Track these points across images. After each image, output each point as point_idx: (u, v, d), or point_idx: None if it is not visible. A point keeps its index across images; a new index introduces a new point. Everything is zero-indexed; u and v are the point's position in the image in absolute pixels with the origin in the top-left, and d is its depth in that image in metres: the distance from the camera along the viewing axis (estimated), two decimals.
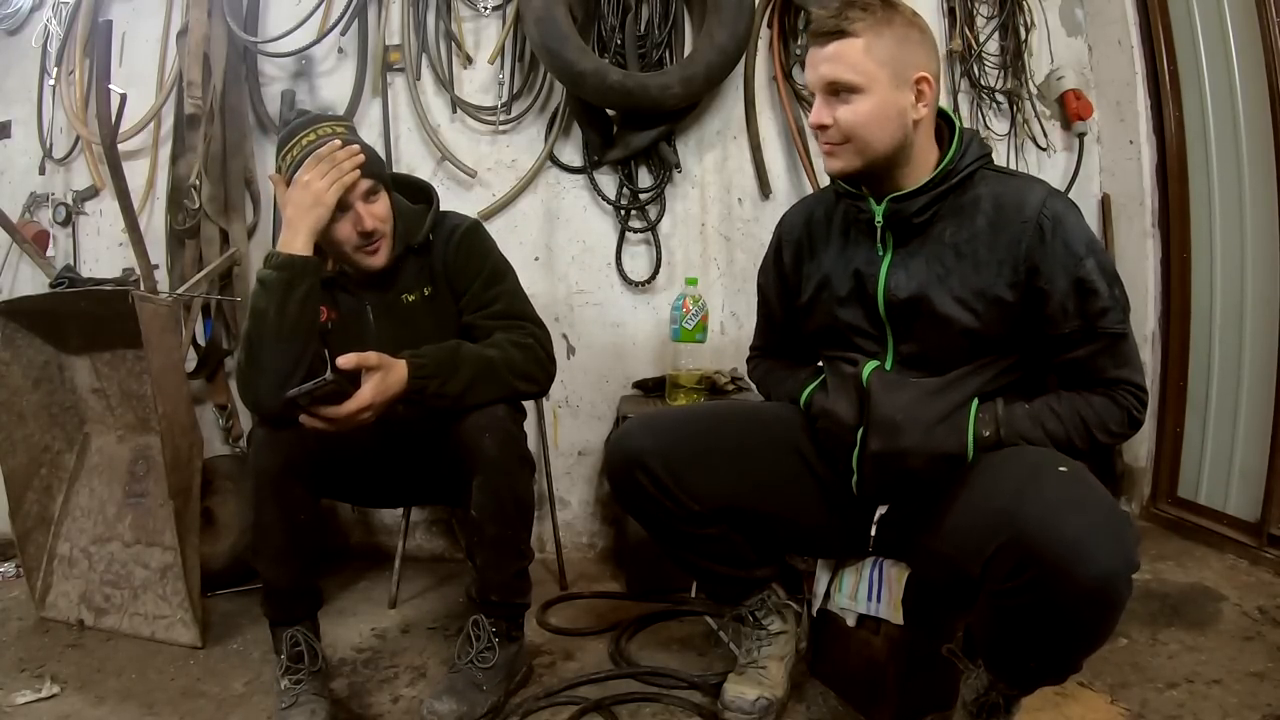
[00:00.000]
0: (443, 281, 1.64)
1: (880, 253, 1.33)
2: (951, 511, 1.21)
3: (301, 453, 1.49)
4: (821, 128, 1.27)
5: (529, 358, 1.56)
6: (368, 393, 1.38)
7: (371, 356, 1.39)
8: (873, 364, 1.33)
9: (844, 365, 1.38)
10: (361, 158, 1.49)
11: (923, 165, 1.29)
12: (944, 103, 2.37)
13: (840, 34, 1.23)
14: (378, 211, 1.53)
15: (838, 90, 1.24)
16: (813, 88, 1.29)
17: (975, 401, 1.27)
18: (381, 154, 2.37)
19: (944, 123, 1.33)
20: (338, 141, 1.48)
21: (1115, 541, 1.01)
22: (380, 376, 1.39)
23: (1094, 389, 1.26)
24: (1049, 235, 1.22)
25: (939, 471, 1.27)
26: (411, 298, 1.63)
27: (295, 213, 1.45)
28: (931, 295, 1.28)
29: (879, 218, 1.30)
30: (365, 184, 1.50)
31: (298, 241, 1.45)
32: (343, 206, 1.49)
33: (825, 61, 1.25)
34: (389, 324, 1.60)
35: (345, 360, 1.36)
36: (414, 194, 1.71)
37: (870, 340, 1.36)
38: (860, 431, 1.32)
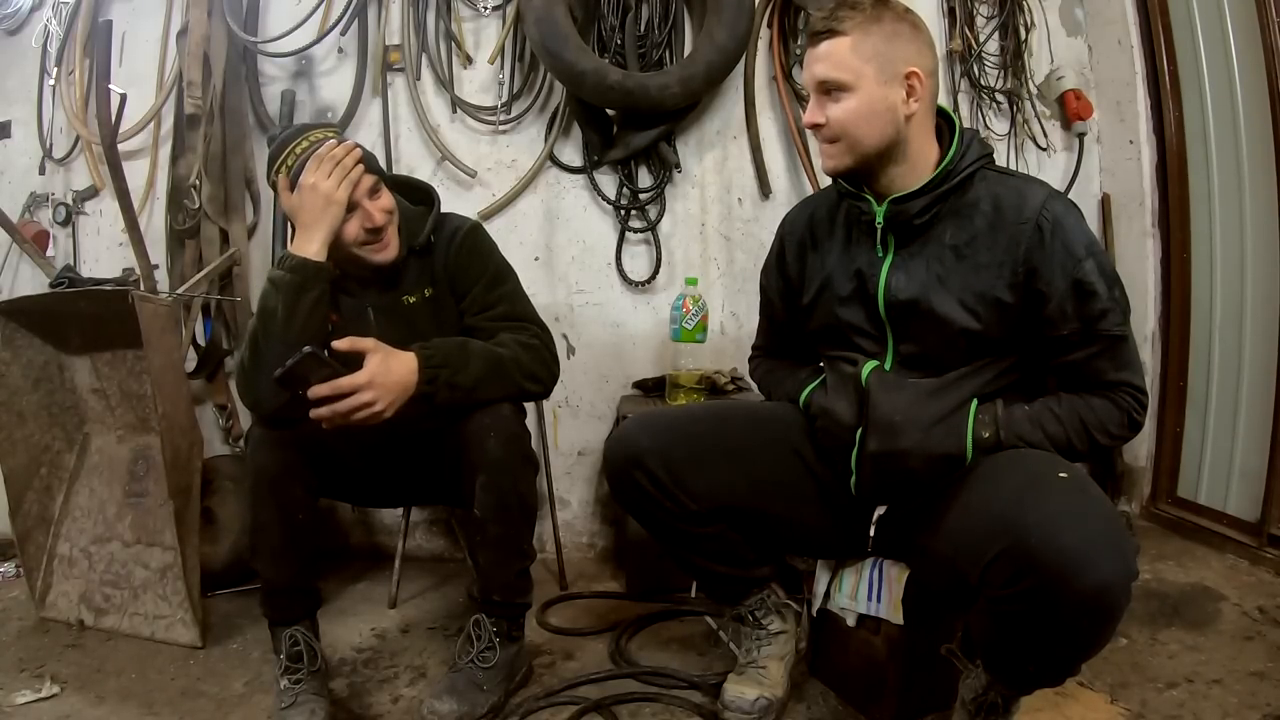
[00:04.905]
0: (444, 283, 1.64)
1: (881, 254, 1.33)
2: (951, 513, 1.21)
3: (300, 452, 1.49)
4: (815, 127, 1.29)
5: (535, 358, 1.57)
6: (365, 373, 1.36)
7: (369, 341, 1.39)
8: (872, 364, 1.33)
9: (844, 365, 1.38)
10: (360, 153, 1.50)
11: (922, 164, 1.29)
12: (944, 103, 2.37)
13: (831, 33, 1.25)
14: (383, 204, 1.54)
15: (828, 89, 1.26)
16: (807, 88, 1.31)
17: (974, 403, 1.27)
18: (382, 154, 2.38)
19: (944, 122, 1.33)
20: (334, 141, 1.50)
21: (1114, 551, 1.01)
22: (380, 358, 1.39)
23: (1094, 391, 1.26)
24: (1048, 237, 1.22)
25: (938, 472, 1.27)
26: (413, 299, 1.63)
27: (309, 216, 1.45)
28: (931, 296, 1.28)
29: (880, 219, 1.30)
30: (369, 180, 1.51)
31: (312, 246, 1.45)
32: (350, 206, 1.49)
33: (816, 61, 1.27)
34: (390, 325, 1.60)
35: (341, 343, 1.36)
36: (415, 195, 1.71)
37: (870, 340, 1.36)
38: (859, 432, 1.32)
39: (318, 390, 1.34)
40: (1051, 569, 1.00)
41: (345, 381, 1.35)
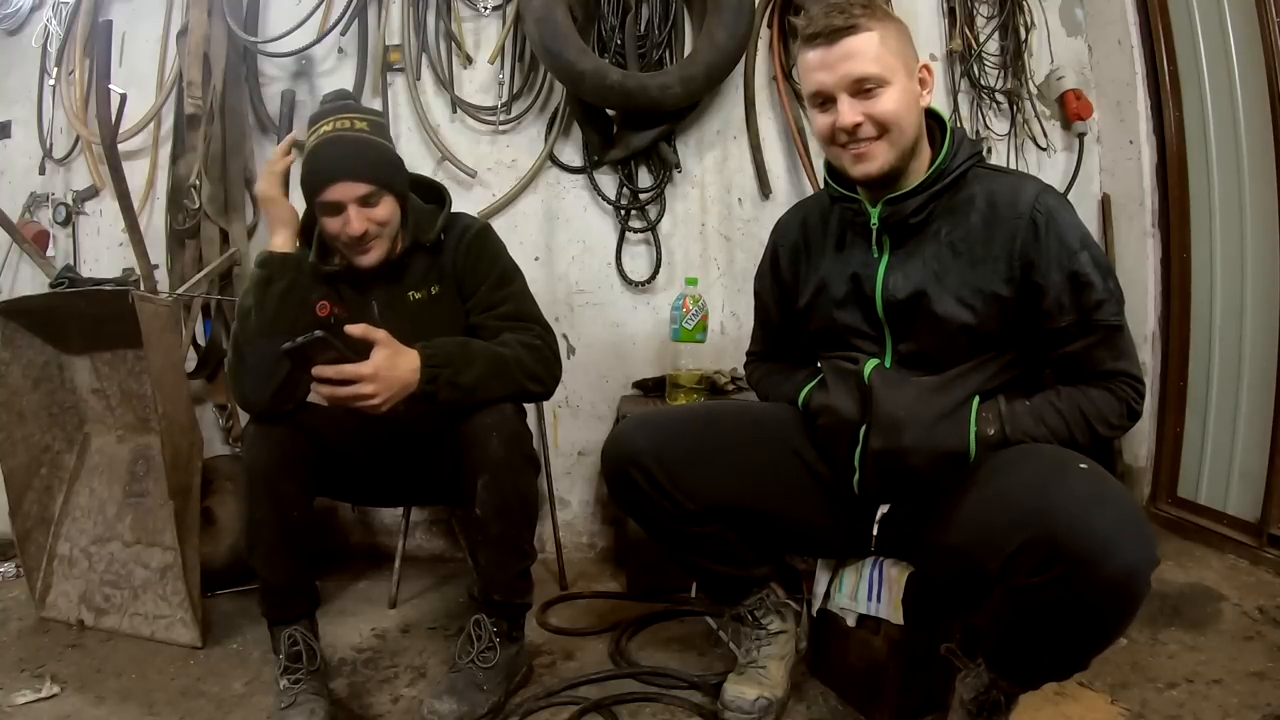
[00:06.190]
0: (450, 281, 1.65)
1: (876, 254, 1.33)
2: (964, 507, 1.21)
3: (295, 450, 1.49)
4: (855, 127, 1.24)
5: (537, 359, 1.57)
6: (370, 364, 1.37)
7: (381, 333, 1.41)
8: (874, 361, 1.34)
9: (844, 363, 1.38)
10: (290, 158, 1.58)
11: (919, 163, 1.30)
12: (944, 103, 2.38)
13: (853, 29, 1.22)
14: (375, 215, 1.53)
15: (864, 86, 1.23)
16: (831, 90, 1.25)
17: (976, 399, 1.28)
18: None
19: (934, 122, 1.34)
20: (281, 146, 1.59)
21: (1140, 537, 1.02)
22: (388, 353, 1.40)
23: (1092, 382, 1.26)
24: (1043, 230, 1.23)
25: (941, 469, 1.27)
26: (418, 295, 1.63)
27: (267, 215, 1.58)
28: (930, 294, 1.28)
29: (875, 220, 1.30)
30: (361, 189, 1.51)
31: (275, 239, 1.54)
32: (337, 208, 1.51)
33: (844, 60, 1.23)
34: (394, 320, 1.61)
35: (354, 329, 1.37)
36: (426, 194, 1.72)
37: (869, 341, 1.36)
38: (862, 429, 1.32)
39: (322, 371, 1.35)
40: (1081, 554, 1.00)
41: (350, 369, 1.36)
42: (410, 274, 1.63)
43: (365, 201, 1.52)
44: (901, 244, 1.32)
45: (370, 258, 1.56)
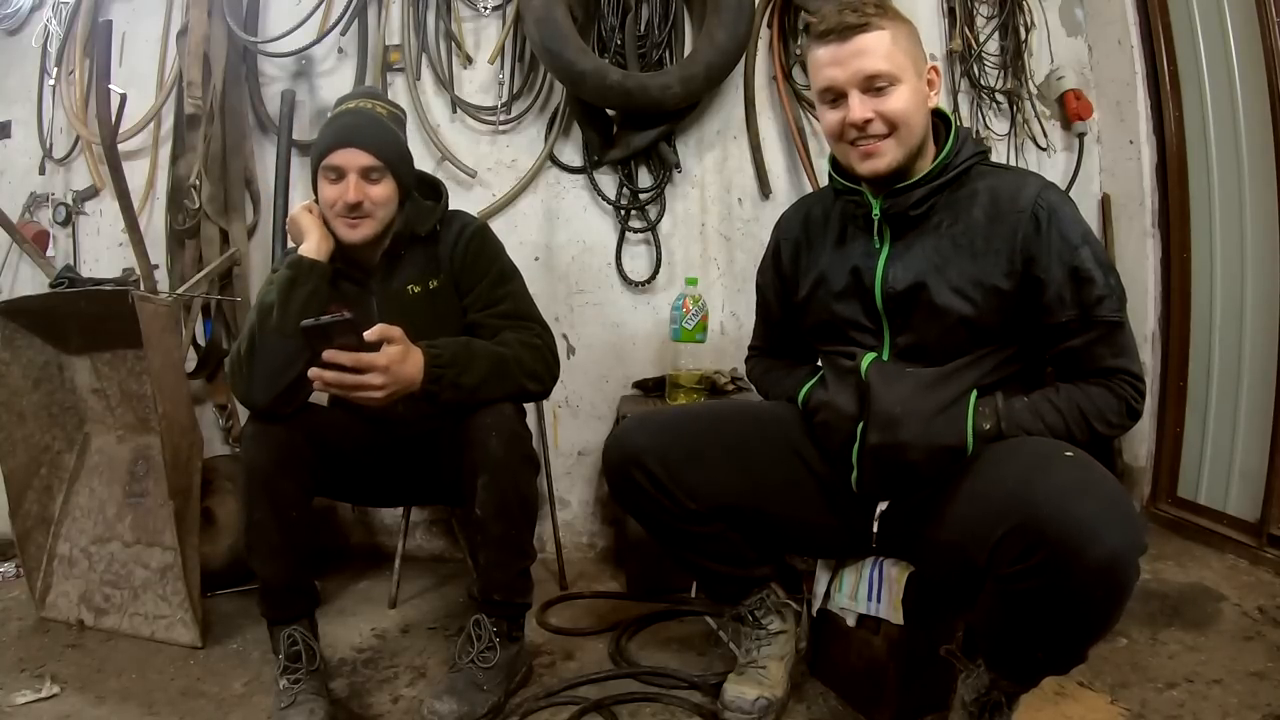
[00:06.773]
0: (448, 278, 1.65)
1: (877, 246, 1.34)
2: (955, 501, 1.21)
3: (293, 449, 1.50)
4: (865, 123, 1.25)
5: (537, 358, 1.57)
6: (384, 358, 1.37)
7: (397, 330, 1.40)
8: (871, 356, 1.34)
9: (842, 359, 1.38)
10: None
11: (924, 161, 1.31)
12: (944, 103, 2.38)
13: (866, 27, 1.24)
14: (373, 192, 1.54)
15: (875, 83, 1.24)
16: (842, 86, 1.26)
17: (974, 394, 1.28)
18: None
19: (939, 121, 1.35)
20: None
21: (1124, 522, 1.01)
22: (401, 350, 1.40)
23: (1091, 379, 1.26)
24: (1044, 225, 1.23)
25: (939, 464, 1.27)
26: (416, 289, 1.64)
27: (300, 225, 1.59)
28: (930, 285, 1.28)
29: (876, 211, 1.31)
30: (367, 160, 1.52)
31: (306, 244, 1.54)
32: (339, 173, 1.53)
33: (856, 57, 1.24)
34: (392, 314, 1.60)
35: (371, 333, 1.36)
36: (424, 189, 1.73)
37: (867, 334, 1.37)
38: (860, 425, 1.32)
39: (337, 356, 1.34)
40: (1062, 540, 1.00)
41: (366, 358, 1.36)
42: (408, 268, 1.64)
43: (367, 175, 1.53)
44: (902, 236, 1.32)
45: (357, 234, 1.56)
